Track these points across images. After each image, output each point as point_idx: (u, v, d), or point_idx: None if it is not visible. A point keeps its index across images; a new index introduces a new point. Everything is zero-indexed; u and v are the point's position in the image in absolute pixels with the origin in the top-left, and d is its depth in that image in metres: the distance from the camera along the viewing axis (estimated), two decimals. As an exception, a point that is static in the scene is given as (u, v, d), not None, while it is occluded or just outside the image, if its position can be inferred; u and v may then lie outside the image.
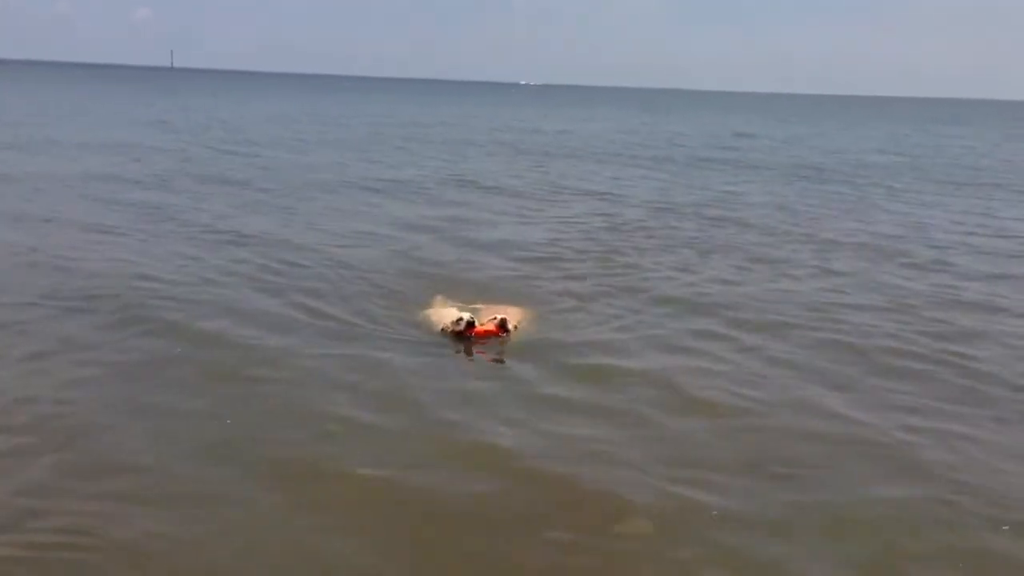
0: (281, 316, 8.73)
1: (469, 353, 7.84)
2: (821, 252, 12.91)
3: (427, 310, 8.90)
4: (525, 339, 8.19)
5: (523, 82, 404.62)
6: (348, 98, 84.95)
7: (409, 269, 10.98)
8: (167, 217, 14.02)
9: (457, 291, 9.67)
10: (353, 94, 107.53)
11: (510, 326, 8.22)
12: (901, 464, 5.88)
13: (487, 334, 8.08)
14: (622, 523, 4.99)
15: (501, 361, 7.71)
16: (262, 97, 79.26)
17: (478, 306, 8.99)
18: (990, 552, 4.86)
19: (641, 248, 12.89)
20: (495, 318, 8.25)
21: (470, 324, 8.03)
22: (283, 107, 60.60)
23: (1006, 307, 10.00)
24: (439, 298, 9.37)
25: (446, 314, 8.47)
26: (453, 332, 8.08)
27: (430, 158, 26.64)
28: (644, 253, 12.53)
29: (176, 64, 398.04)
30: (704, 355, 8.00)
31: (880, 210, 17.88)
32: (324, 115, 51.54)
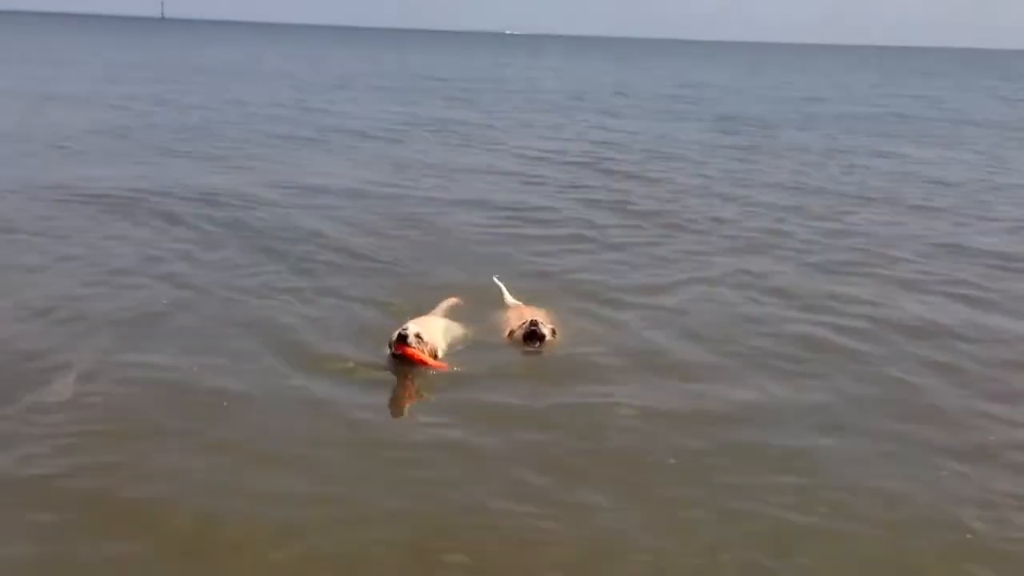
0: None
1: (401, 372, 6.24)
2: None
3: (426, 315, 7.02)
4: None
5: (508, 32, 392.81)
6: (311, 50, 78.12)
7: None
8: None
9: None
10: (339, 44, 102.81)
11: (545, 331, 6.63)
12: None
13: (420, 362, 6.18)
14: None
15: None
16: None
17: (516, 303, 7.49)
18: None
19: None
20: (524, 323, 6.68)
21: (401, 339, 6.18)
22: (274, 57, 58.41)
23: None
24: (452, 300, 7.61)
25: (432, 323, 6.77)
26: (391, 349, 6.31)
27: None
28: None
29: (167, 14, 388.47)
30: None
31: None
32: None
